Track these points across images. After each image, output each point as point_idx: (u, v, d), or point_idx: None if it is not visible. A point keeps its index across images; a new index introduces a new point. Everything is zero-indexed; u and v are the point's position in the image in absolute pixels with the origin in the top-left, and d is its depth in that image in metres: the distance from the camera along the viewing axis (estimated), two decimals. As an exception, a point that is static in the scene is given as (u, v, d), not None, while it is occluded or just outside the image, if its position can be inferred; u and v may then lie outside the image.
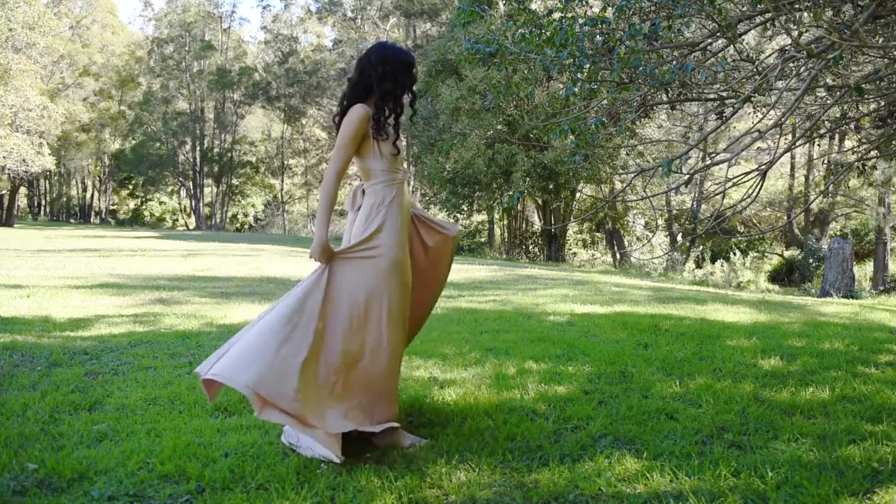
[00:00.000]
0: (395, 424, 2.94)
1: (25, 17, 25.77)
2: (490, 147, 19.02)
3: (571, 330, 5.89)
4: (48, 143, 29.69)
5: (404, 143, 3.23)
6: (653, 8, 3.94)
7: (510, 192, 19.03)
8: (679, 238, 24.71)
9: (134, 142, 42.35)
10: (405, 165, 3.20)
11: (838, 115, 5.46)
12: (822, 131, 5.64)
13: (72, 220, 47.85)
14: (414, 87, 3.13)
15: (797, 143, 5.23)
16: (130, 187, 47.70)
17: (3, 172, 28.76)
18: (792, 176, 26.90)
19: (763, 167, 3.81)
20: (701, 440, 3.11)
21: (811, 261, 21.89)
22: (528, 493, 2.54)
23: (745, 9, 4.09)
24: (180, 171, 42.90)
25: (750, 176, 4.07)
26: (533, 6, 4.74)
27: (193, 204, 43.03)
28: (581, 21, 3.79)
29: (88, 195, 50.10)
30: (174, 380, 3.92)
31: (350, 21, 36.79)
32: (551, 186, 19.94)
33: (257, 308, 6.80)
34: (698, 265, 23.51)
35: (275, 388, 2.67)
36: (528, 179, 18.94)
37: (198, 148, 42.04)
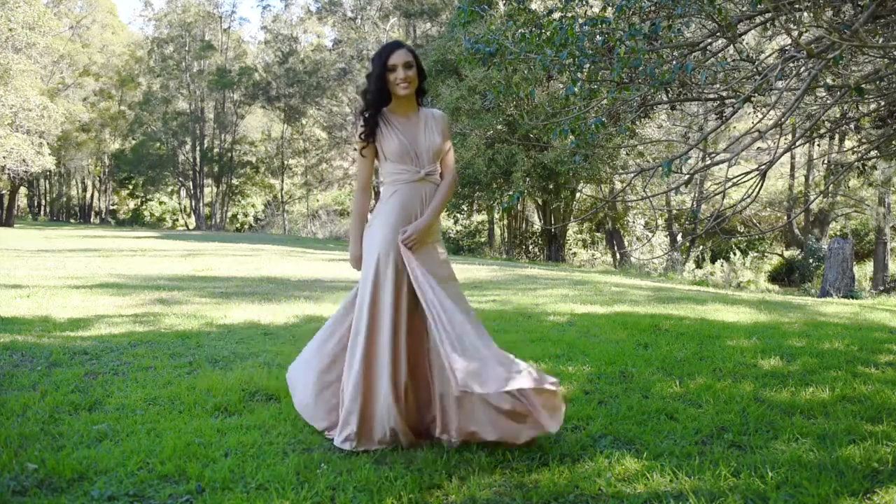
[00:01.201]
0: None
1: (25, 17, 25.74)
2: (490, 147, 19.02)
3: (571, 330, 5.89)
4: (48, 143, 29.65)
5: (426, 140, 3.04)
6: (653, 8, 3.94)
7: (510, 192, 19.03)
8: (679, 238, 24.71)
9: (134, 142, 42.34)
10: (425, 164, 3.02)
11: (838, 115, 5.46)
12: (822, 131, 5.64)
13: (72, 220, 47.84)
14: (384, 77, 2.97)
15: (797, 143, 5.23)
16: (130, 187, 47.68)
17: (3, 172, 28.74)
18: (792, 176, 26.90)
19: (763, 167, 3.81)
20: (701, 440, 3.11)
21: (811, 261, 21.89)
22: (528, 493, 2.54)
23: (745, 9, 4.09)
24: (180, 171, 42.89)
25: (750, 176, 4.07)
26: (533, 6, 4.74)
27: (193, 204, 43.02)
28: (581, 21, 3.78)
29: (88, 195, 50.09)
30: (174, 380, 3.92)
31: (350, 21, 36.75)
32: (551, 186, 19.95)
33: (257, 308, 6.79)
34: (698, 265, 23.51)
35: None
36: (528, 179, 18.94)
37: (198, 148, 42.03)
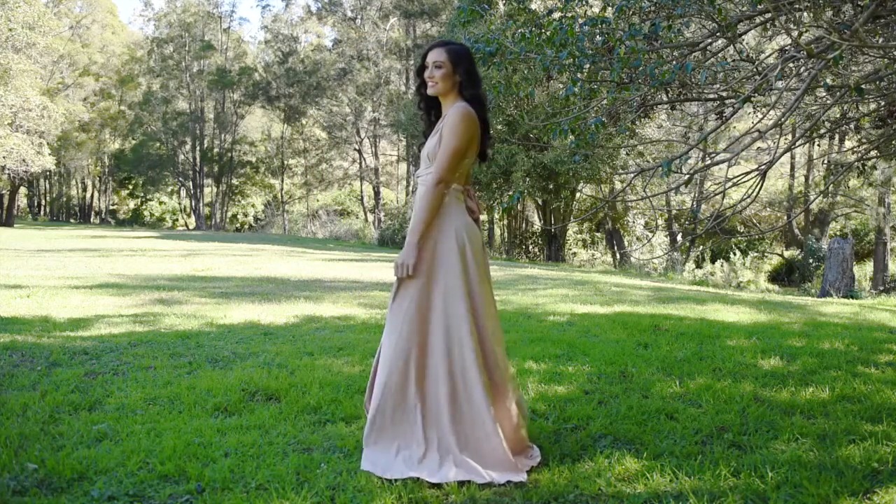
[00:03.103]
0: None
1: (25, 17, 25.72)
2: (490, 147, 18.98)
3: (571, 330, 5.89)
4: (48, 143, 29.65)
5: (430, 142, 2.90)
6: (653, 8, 3.94)
7: (510, 192, 19.02)
8: (679, 238, 24.71)
9: (134, 142, 42.32)
10: (420, 166, 2.94)
11: (838, 115, 5.46)
12: (822, 131, 5.64)
13: (72, 220, 47.82)
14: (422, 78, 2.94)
15: (797, 143, 5.23)
16: (130, 187, 47.68)
17: (3, 172, 28.72)
18: (792, 176, 26.90)
19: (763, 167, 3.81)
20: (701, 440, 3.11)
21: (811, 261, 21.89)
22: (528, 493, 2.54)
23: (745, 9, 4.09)
24: (180, 171, 42.87)
25: (750, 176, 4.07)
26: (533, 6, 4.74)
27: (193, 204, 43.01)
28: (581, 21, 3.78)
29: (88, 195, 50.08)
30: (174, 380, 3.92)
31: (350, 21, 36.75)
32: (551, 186, 19.94)
33: (257, 308, 6.79)
34: (698, 265, 23.50)
35: None
36: (528, 179, 18.93)
37: (198, 148, 42.02)
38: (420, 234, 2.74)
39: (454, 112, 2.81)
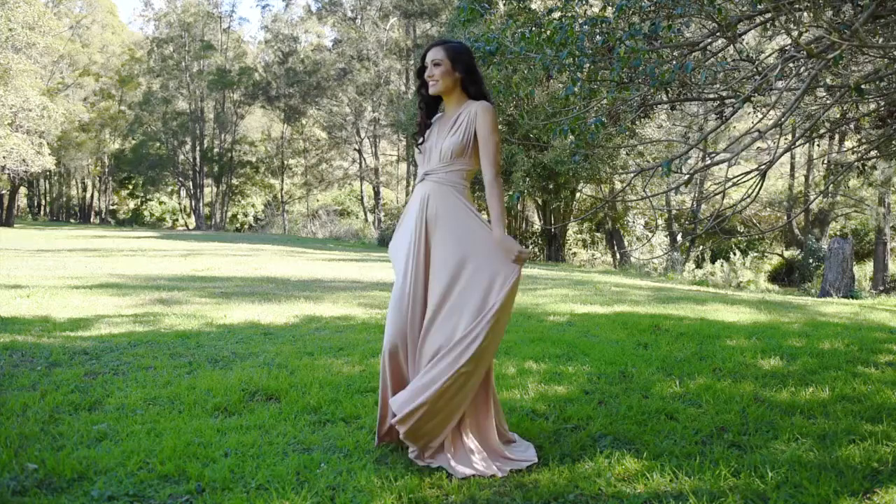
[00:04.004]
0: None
1: (25, 17, 25.74)
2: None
3: (571, 330, 5.89)
4: (48, 143, 29.66)
5: (446, 138, 2.89)
6: (653, 8, 3.94)
7: (510, 192, 19.00)
8: (679, 238, 24.71)
9: (134, 142, 42.35)
10: (430, 163, 2.93)
11: (838, 115, 5.46)
12: (822, 131, 5.64)
13: (72, 220, 47.83)
14: (422, 78, 2.96)
15: (797, 143, 5.23)
16: (130, 187, 47.70)
17: (3, 172, 28.73)
18: (792, 176, 26.90)
19: (763, 167, 3.81)
20: (701, 440, 3.11)
21: (811, 261, 21.88)
22: (528, 493, 2.54)
23: (745, 9, 4.09)
24: (180, 171, 42.90)
25: (750, 176, 4.07)
26: (533, 5, 4.74)
27: (193, 204, 43.02)
28: (581, 20, 3.78)
29: (88, 195, 50.09)
30: (174, 380, 3.92)
31: (350, 21, 36.76)
32: (551, 186, 19.94)
33: (257, 308, 6.79)
34: (698, 265, 23.50)
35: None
36: (528, 179, 18.93)
37: (198, 148, 42.04)
38: (504, 223, 2.96)
39: (486, 110, 2.85)
